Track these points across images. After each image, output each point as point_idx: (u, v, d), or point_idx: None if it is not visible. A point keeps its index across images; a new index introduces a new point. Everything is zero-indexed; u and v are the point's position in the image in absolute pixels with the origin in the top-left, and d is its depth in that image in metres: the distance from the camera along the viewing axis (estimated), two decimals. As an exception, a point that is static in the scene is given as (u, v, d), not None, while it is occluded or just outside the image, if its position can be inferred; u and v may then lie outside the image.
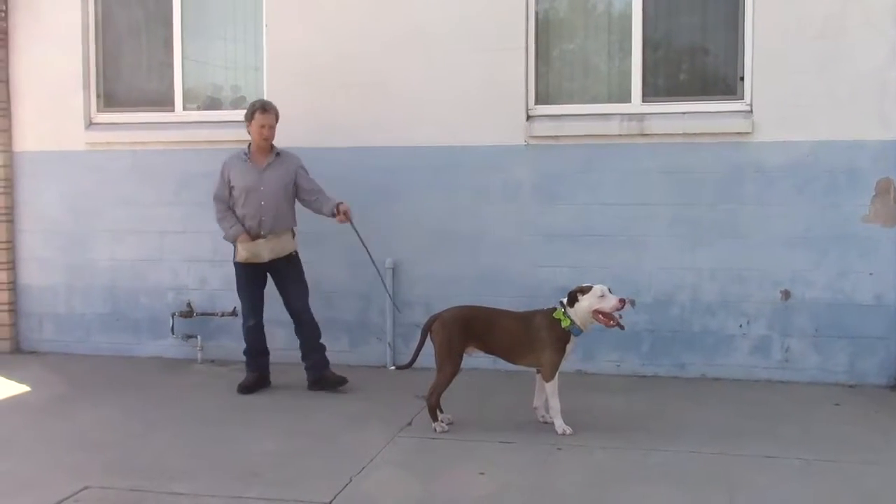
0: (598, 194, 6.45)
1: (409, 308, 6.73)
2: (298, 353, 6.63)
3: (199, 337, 6.97)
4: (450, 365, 5.06)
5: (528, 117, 6.58)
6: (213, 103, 7.32)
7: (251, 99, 7.12)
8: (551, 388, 5.04)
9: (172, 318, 6.99)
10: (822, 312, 6.20)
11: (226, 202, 6.05)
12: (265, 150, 6.07)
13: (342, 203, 5.97)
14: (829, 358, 6.21)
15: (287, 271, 6.10)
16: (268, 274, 6.11)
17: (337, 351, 6.84)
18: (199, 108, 7.25)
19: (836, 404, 5.73)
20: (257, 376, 6.14)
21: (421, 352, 5.20)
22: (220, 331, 7.00)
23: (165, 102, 7.25)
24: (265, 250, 5.95)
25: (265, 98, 6.94)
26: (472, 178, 6.63)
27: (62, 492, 4.17)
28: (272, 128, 6.05)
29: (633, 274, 6.38)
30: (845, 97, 6.08)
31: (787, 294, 6.24)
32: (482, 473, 4.43)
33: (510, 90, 6.54)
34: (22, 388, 6.25)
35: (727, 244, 6.29)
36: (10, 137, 7.40)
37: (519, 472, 4.46)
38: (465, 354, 5.13)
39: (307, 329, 6.13)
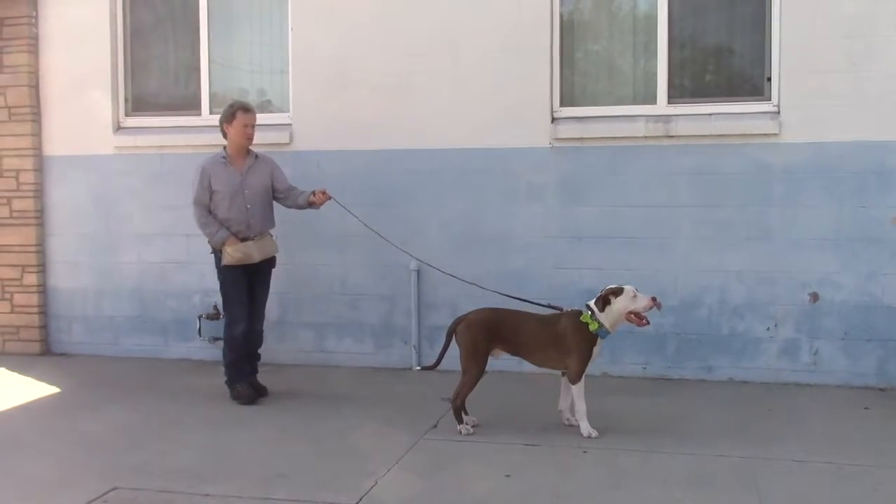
0: (623, 196, 6.42)
1: (435, 310, 6.74)
2: (325, 356, 6.72)
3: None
4: (475, 367, 5.05)
5: (553, 119, 6.57)
6: (239, 107, 7.36)
7: (277, 102, 7.22)
8: (578, 390, 5.02)
9: (199, 320, 7.03)
10: (850, 315, 6.13)
11: (207, 207, 5.89)
12: (244, 153, 5.97)
13: (317, 189, 5.97)
14: (859, 361, 6.14)
15: (265, 275, 6.07)
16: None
17: (362, 353, 6.90)
18: (225, 112, 7.29)
19: (866, 408, 5.66)
20: (250, 384, 5.99)
21: (446, 354, 5.20)
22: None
23: (192, 106, 7.31)
24: (255, 251, 5.90)
25: (290, 101, 7.01)
26: (497, 180, 6.63)
27: (91, 493, 4.21)
28: (254, 127, 5.97)
29: (660, 276, 6.35)
30: (874, 97, 6.01)
31: (815, 296, 6.18)
32: (508, 476, 4.42)
33: (535, 92, 6.53)
34: (52, 390, 6.32)
35: (754, 246, 6.24)
36: (39, 141, 7.50)
37: (544, 474, 4.45)
38: (490, 357, 5.13)
39: (255, 337, 6.06)
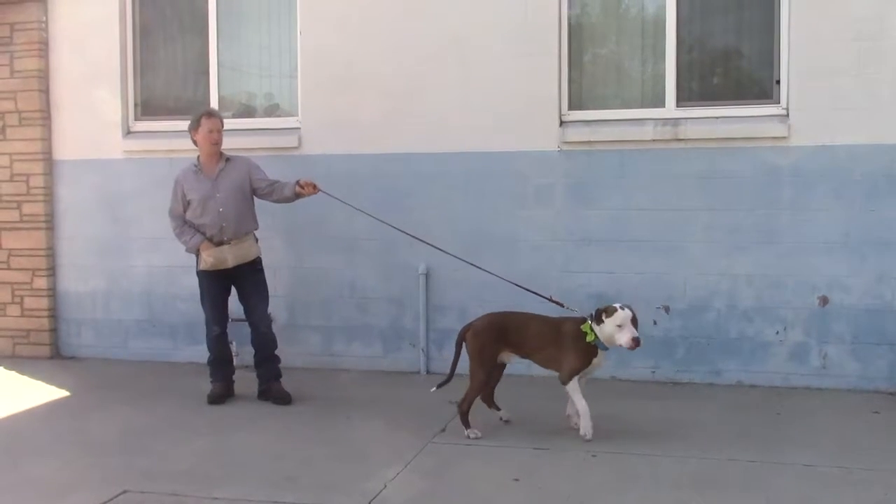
0: (632, 199, 6.41)
1: (443, 313, 6.74)
2: (333, 359, 6.73)
3: (234, 343, 7.01)
4: (481, 373, 5.10)
5: (562, 123, 6.56)
6: (248, 111, 7.39)
7: (285, 106, 7.24)
8: (571, 389, 5.01)
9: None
10: (860, 319, 6.11)
11: (181, 218, 6.02)
12: (215, 158, 6.01)
13: (302, 179, 5.95)
14: (868, 365, 6.11)
15: (250, 279, 6.06)
16: (231, 282, 6.09)
17: (370, 357, 6.90)
18: (234, 116, 7.29)
19: (876, 412, 5.64)
20: (224, 386, 6.11)
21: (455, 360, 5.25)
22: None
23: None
24: (230, 255, 5.93)
25: (299, 104, 7.03)
26: (505, 183, 6.62)
27: (101, 496, 4.23)
28: (220, 132, 6.00)
29: (668, 279, 6.34)
30: (884, 100, 5.99)
31: (824, 300, 6.16)
32: (516, 480, 4.42)
33: (543, 96, 6.53)
34: (61, 393, 6.34)
35: (763, 249, 6.23)
36: (49, 146, 7.53)
37: (553, 478, 4.45)
38: (504, 361, 5.22)
39: (263, 339, 6.09)
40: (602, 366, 5.14)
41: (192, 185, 5.99)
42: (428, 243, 6.04)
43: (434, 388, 5.33)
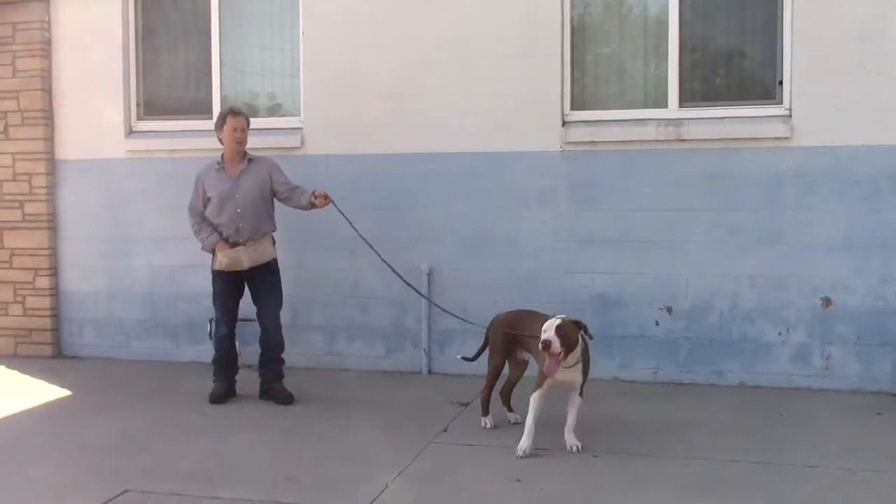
0: (634, 200, 6.40)
1: (445, 314, 6.71)
2: (336, 359, 6.71)
3: (236, 343, 7.03)
4: (492, 362, 5.30)
5: (564, 123, 6.56)
6: (250, 111, 7.32)
7: (287, 106, 7.24)
8: (532, 398, 4.86)
9: (210, 323, 7.02)
10: (863, 320, 6.09)
11: (200, 214, 6.00)
12: (238, 157, 6.00)
13: (318, 190, 5.94)
14: (872, 366, 6.10)
15: (265, 280, 6.03)
16: (245, 282, 6.07)
17: (372, 357, 6.90)
18: (236, 116, 7.29)
19: (879, 413, 5.62)
20: (227, 386, 6.12)
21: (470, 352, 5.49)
22: (257, 336, 7.03)
23: (204, 110, 7.31)
24: (245, 257, 5.92)
25: (301, 104, 7.03)
26: (507, 183, 6.62)
27: (102, 495, 4.23)
28: (244, 131, 5.99)
29: (671, 280, 6.33)
30: (887, 100, 5.98)
31: (827, 301, 6.15)
32: (518, 480, 4.41)
33: (546, 96, 6.52)
34: (63, 393, 6.35)
35: (766, 250, 6.22)
36: (52, 146, 7.54)
37: (555, 479, 4.44)
38: (523, 358, 5.31)
39: (271, 341, 6.08)
40: (570, 379, 4.84)
41: (212, 182, 5.97)
42: (395, 271, 6.07)
43: (459, 356, 5.66)
